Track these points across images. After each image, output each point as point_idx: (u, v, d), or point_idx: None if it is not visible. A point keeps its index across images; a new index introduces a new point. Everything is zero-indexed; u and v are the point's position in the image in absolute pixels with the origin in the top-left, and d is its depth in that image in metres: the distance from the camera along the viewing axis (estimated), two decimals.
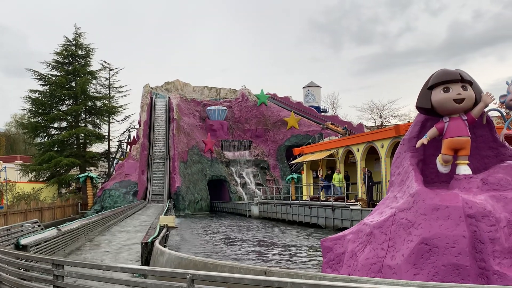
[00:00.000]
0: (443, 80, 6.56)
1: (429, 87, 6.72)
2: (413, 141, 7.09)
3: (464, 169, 6.68)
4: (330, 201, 24.80)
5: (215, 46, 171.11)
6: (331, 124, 53.28)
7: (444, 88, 6.56)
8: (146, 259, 10.74)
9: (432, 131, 6.77)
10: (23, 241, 11.17)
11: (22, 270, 8.49)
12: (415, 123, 7.31)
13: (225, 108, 55.68)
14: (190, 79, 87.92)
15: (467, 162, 6.73)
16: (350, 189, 27.62)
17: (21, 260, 8.46)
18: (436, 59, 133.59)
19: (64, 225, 16.22)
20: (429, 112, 6.89)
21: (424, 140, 6.74)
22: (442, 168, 6.76)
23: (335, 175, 26.89)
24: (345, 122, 55.87)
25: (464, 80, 6.56)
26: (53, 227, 14.59)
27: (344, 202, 23.84)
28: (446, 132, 6.65)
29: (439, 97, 6.58)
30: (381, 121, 61.07)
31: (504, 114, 8.29)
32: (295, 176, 43.07)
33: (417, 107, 7.00)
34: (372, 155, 27.82)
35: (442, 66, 7.01)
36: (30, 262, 8.61)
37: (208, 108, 55.43)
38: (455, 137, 6.55)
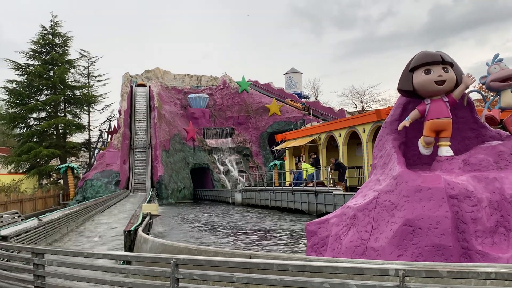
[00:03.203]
0: (424, 62, 6.56)
1: (410, 69, 6.73)
2: (395, 123, 7.11)
3: (446, 151, 6.73)
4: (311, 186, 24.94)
5: (195, 33, 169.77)
6: (291, 101, 54.46)
7: (425, 70, 6.57)
8: (129, 247, 10.64)
9: (413, 113, 6.79)
10: (3, 232, 10.97)
11: (1, 260, 8.35)
12: (397, 106, 7.33)
13: (206, 95, 55.38)
14: (171, 67, 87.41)
15: (449, 143, 6.77)
16: (321, 174, 27.76)
17: (1, 250, 8.31)
18: (417, 43, 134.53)
19: (45, 215, 16.02)
20: (410, 94, 6.90)
21: (406, 122, 6.76)
22: (424, 150, 6.79)
23: (303, 165, 27.00)
24: (326, 108, 56.10)
25: (445, 62, 6.57)
26: (34, 218, 14.39)
27: (325, 187, 23.97)
28: (427, 114, 6.67)
29: (420, 79, 6.59)
30: (362, 106, 61.51)
31: (485, 95, 8.36)
32: (277, 162, 43.19)
33: (399, 90, 7.01)
34: (354, 139, 28.01)
35: (423, 49, 7.03)
36: (10, 252, 8.47)
37: (190, 96, 55.06)
38: (437, 119, 6.58)
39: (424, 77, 6.55)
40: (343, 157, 27.92)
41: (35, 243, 12.16)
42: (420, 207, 5.79)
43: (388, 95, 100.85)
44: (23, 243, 11.19)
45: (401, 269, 3.74)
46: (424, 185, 5.91)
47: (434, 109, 6.62)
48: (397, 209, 5.98)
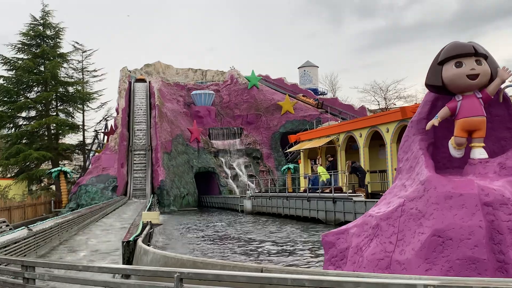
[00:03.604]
0: (455, 54, 6.52)
1: (439, 62, 6.69)
2: (423, 122, 7.06)
3: (479, 153, 6.67)
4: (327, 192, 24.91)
5: (200, 23, 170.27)
6: (303, 96, 54.38)
7: (456, 62, 6.52)
8: (128, 259, 10.70)
9: (443, 111, 6.73)
10: None
11: None
12: (424, 103, 7.29)
13: (212, 92, 55.52)
14: (173, 60, 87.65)
15: (483, 144, 6.71)
16: (340, 179, 27.72)
17: None
18: (447, 33, 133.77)
19: (35, 224, 16.14)
20: (439, 90, 6.85)
21: (434, 121, 6.71)
22: (455, 152, 6.75)
23: (319, 169, 27.03)
24: (345, 105, 56.01)
25: (478, 54, 6.52)
26: (23, 227, 14.50)
27: (344, 193, 23.94)
28: (459, 112, 6.62)
29: (450, 73, 6.54)
30: (386, 103, 61.28)
31: None
32: (291, 166, 43.16)
33: (427, 85, 6.97)
34: (376, 140, 27.92)
35: (454, 40, 6.99)
36: None
37: (194, 92, 55.23)
38: (469, 117, 6.53)
39: (455, 70, 6.51)
40: (364, 160, 27.84)
41: (25, 255, 12.25)
42: (450, 215, 5.75)
43: (415, 91, 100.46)
44: (12, 255, 11.28)
45: (430, 285, 3.73)
46: (455, 191, 5.87)
47: (466, 106, 6.57)
48: (425, 218, 5.95)
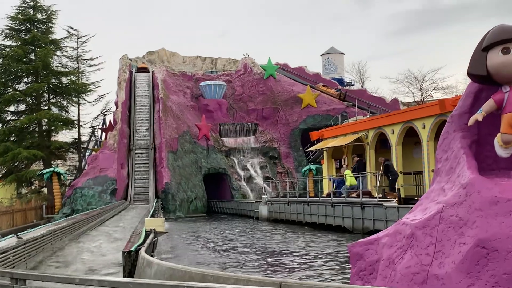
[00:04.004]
0: (502, 38, 6.47)
1: (483, 48, 6.65)
2: (465, 117, 7.03)
3: None
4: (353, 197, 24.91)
5: (210, 5, 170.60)
6: (323, 86, 54.20)
7: (503, 49, 6.48)
8: (129, 272, 10.80)
9: (488, 105, 6.69)
10: None
11: None
12: (467, 95, 7.25)
13: (223, 83, 55.62)
14: (179, 47, 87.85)
15: None
16: (369, 182, 27.68)
17: None
18: (492, 14, 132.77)
19: (25, 232, 16.31)
20: (484, 80, 6.81)
21: (478, 116, 6.67)
22: (501, 151, 6.70)
23: (346, 172, 27.04)
24: (375, 97, 55.77)
25: None
26: (12, 235, 14.66)
27: (373, 198, 23.90)
28: (506, 105, 6.57)
29: (497, 60, 6.50)
30: (422, 96, 60.98)
31: None
32: (313, 167, 43.14)
33: (469, 74, 6.93)
34: (411, 138, 27.82)
35: (500, 23, 6.95)
36: None
37: (202, 83, 55.36)
38: None
39: (502, 58, 6.46)
40: (396, 160, 27.75)
41: (13, 267, 12.39)
42: (496, 223, 5.72)
43: (455, 81, 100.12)
44: (0, 267, 11.42)
45: None
46: (502, 196, 5.84)
47: None
48: (467, 226, 5.92)
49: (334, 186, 28.78)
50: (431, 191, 7.06)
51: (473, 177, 6.22)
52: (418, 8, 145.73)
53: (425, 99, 58.11)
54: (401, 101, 56.47)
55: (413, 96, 61.74)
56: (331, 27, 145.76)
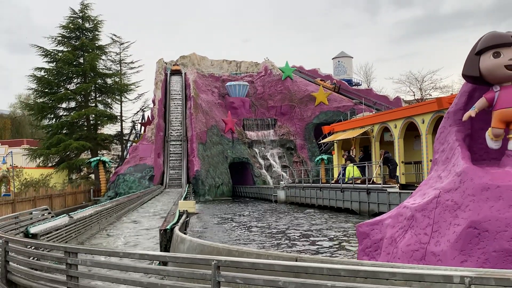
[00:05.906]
0: (493, 44, 6.40)
1: (477, 52, 6.58)
2: (459, 113, 6.97)
3: None
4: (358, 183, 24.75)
5: (234, 15, 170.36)
6: (321, 80, 54.13)
7: (494, 53, 6.41)
8: (165, 247, 10.89)
9: (480, 102, 6.63)
10: (33, 230, 11.42)
11: (32, 259, 8.68)
12: (461, 94, 7.18)
13: (246, 83, 55.58)
14: (208, 52, 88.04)
15: None
16: (374, 170, 27.39)
17: (32, 248, 8.65)
18: (486, 22, 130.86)
19: (76, 212, 16.54)
20: (477, 80, 6.74)
21: (471, 112, 6.61)
22: (492, 143, 6.64)
23: (348, 168, 26.55)
24: (380, 96, 55.35)
25: None
26: (64, 215, 14.88)
27: (378, 184, 23.75)
28: (496, 102, 6.51)
29: (488, 63, 6.43)
30: (421, 94, 60.35)
31: None
32: (325, 157, 43.01)
33: (464, 75, 6.86)
34: (411, 131, 27.59)
35: (492, 30, 6.87)
36: (41, 250, 8.79)
37: (228, 83, 55.40)
38: (507, 108, 6.42)
39: (493, 61, 6.39)
40: (398, 151, 27.54)
41: (66, 242, 12.58)
42: (487, 207, 5.68)
43: (451, 81, 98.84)
44: (54, 242, 11.61)
45: (467, 276, 3.69)
46: (492, 183, 5.79)
47: (504, 97, 6.46)
48: (461, 209, 5.89)
49: (341, 174, 28.57)
50: (429, 178, 7.02)
51: (467, 166, 6.18)
52: (420, 16, 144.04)
53: (424, 98, 57.54)
54: (403, 99, 55.96)
55: (414, 95, 61.17)
56: (342, 34, 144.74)
